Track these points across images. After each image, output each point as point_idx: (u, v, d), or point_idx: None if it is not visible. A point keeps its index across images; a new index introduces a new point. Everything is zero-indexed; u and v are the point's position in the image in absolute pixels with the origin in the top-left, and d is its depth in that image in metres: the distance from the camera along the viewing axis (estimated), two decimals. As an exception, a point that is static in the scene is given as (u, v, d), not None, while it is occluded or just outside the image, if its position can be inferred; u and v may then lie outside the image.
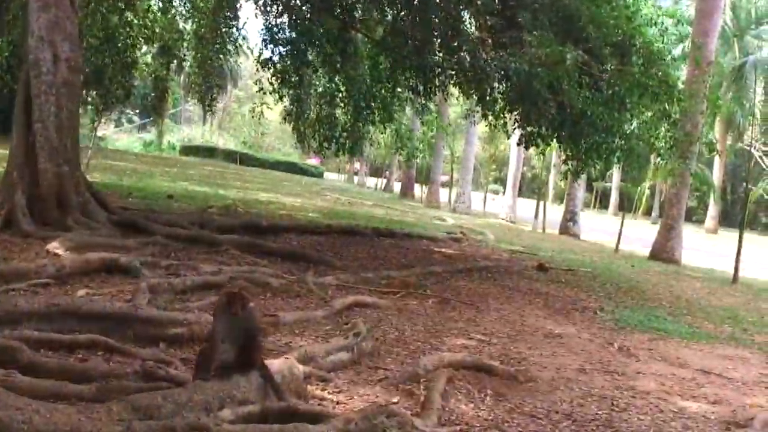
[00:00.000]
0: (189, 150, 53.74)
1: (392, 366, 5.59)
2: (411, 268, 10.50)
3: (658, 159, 15.07)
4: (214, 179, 27.46)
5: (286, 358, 4.52)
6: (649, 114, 11.22)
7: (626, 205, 32.03)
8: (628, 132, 11.21)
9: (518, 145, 15.36)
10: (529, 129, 11.86)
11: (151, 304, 5.98)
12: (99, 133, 54.02)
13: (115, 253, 7.67)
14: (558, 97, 9.09)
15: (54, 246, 8.04)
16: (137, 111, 50.70)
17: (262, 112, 15.43)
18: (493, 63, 8.80)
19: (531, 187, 63.59)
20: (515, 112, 11.76)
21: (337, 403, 4.54)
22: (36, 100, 9.06)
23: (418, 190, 40.45)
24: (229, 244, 9.80)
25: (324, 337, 6.13)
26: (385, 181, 53.69)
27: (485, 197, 35.19)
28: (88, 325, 4.97)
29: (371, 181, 57.14)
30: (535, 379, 5.70)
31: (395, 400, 4.73)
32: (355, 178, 59.43)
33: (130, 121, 63.09)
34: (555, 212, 31.30)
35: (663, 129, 11.82)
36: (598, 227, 31.85)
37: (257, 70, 14.54)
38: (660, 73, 10.69)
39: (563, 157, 12.78)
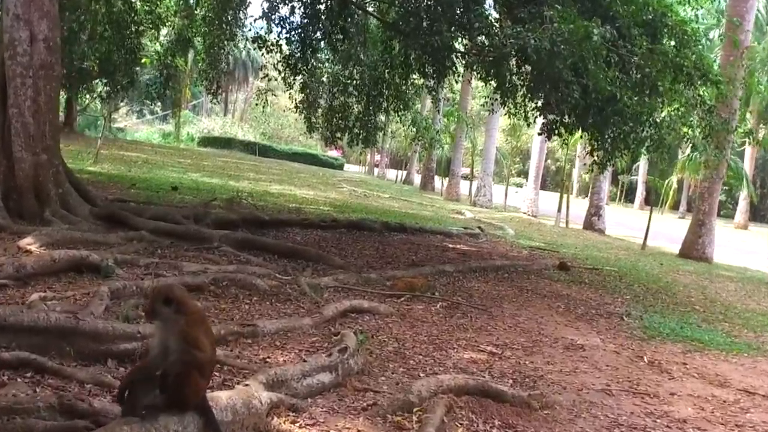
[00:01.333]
0: (207, 141, 53.36)
1: (385, 387, 4.78)
2: (420, 267, 9.66)
3: (689, 150, 14.06)
4: (227, 171, 26.75)
5: (246, 385, 3.71)
6: (682, 100, 10.23)
7: (653, 199, 30.81)
8: (659, 120, 10.25)
9: (539, 134, 14.46)
10: (551, 117, 10.99)
11: (110, 311, 5.21)
12: (120, 125, 54.06)
13: (87, 251, 6.90)
14: (582, 80, 8.17)
15: (27, 242, 7.34)
16: (149, 101, 50.16)
17: (267, 100, 14.75)
18: (510, 40, 7.86)
19: (555, 180, 62.29)
20: (536, 100, 10.87)
21: (308, 440, 3.74)
22: (11, 83, 8.35)
23: (439, 183, 39.50)
24: (223, 240, 9.06)
25: (310, 351, 5.33)
26: (405, 173, 52.68)
27: (506, 190, 34.09)
28: (18, 340, 4.20)
29: (392, 173, 56.13)
30: (551, 405, 4.84)
31: (379, 436, 3.92)
32: (375, 170, 58.46)
33: (152, 112, 62.76)
34: (579, 206, 30.24)
35: (697, 116, 10.85)
36: (624, 222, 30.78)
37: (255, 49, 13.81)
38: (695, 56, 9.73)
39: (588, 148, 11.83)
